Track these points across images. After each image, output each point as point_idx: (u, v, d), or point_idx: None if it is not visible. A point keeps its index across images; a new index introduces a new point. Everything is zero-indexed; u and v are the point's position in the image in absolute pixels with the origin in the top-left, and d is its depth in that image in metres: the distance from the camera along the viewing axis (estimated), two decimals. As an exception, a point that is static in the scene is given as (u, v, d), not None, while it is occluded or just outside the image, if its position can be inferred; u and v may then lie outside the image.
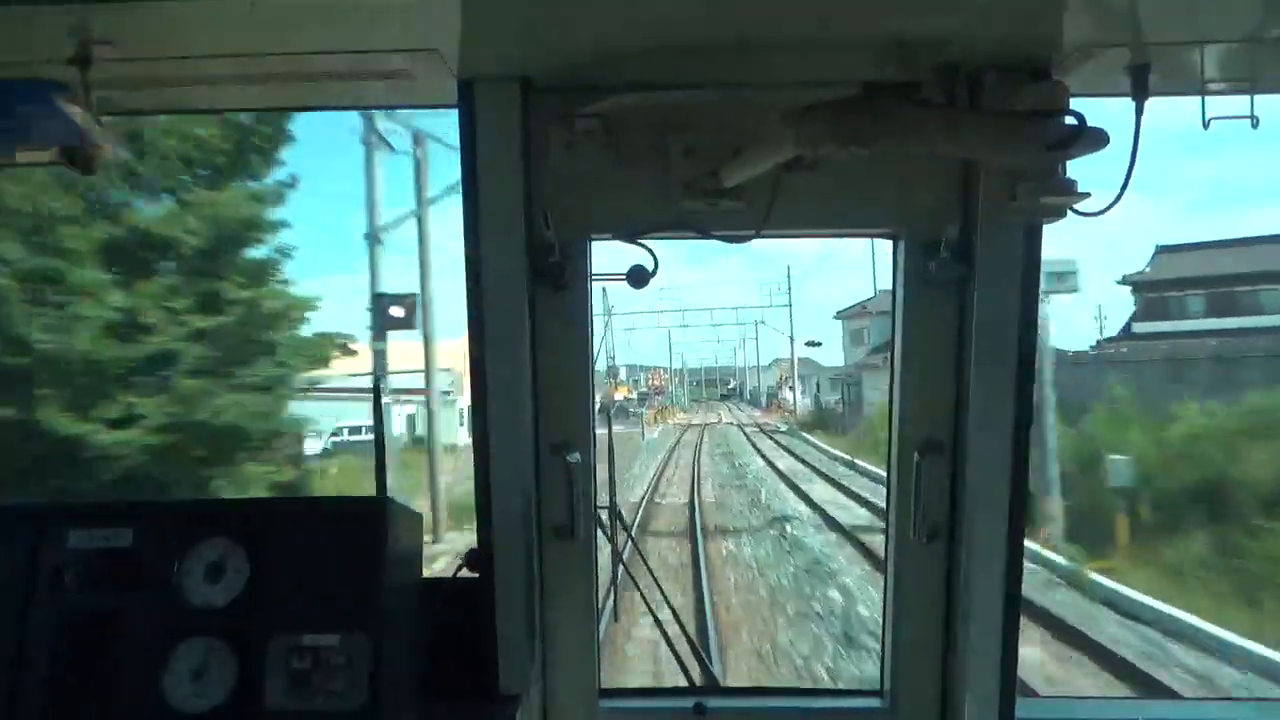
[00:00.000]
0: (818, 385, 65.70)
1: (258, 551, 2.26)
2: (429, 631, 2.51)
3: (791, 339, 63.58)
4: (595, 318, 2.85)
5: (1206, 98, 2.34)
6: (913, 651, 2.84)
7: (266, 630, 2.20)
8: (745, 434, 53.57)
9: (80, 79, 2.13)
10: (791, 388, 67.99)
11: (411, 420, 43.50)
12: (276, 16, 2.12)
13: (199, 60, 2.32)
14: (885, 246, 2.79)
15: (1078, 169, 2.28)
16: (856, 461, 31.34)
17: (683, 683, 3.19)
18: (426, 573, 2.65)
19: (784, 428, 55.41)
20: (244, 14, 2.09)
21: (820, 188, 2.56)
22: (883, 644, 2.96)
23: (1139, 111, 2.31)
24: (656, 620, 3.17)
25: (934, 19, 2.16)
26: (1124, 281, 40.60)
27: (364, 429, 37.76)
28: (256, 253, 18.10)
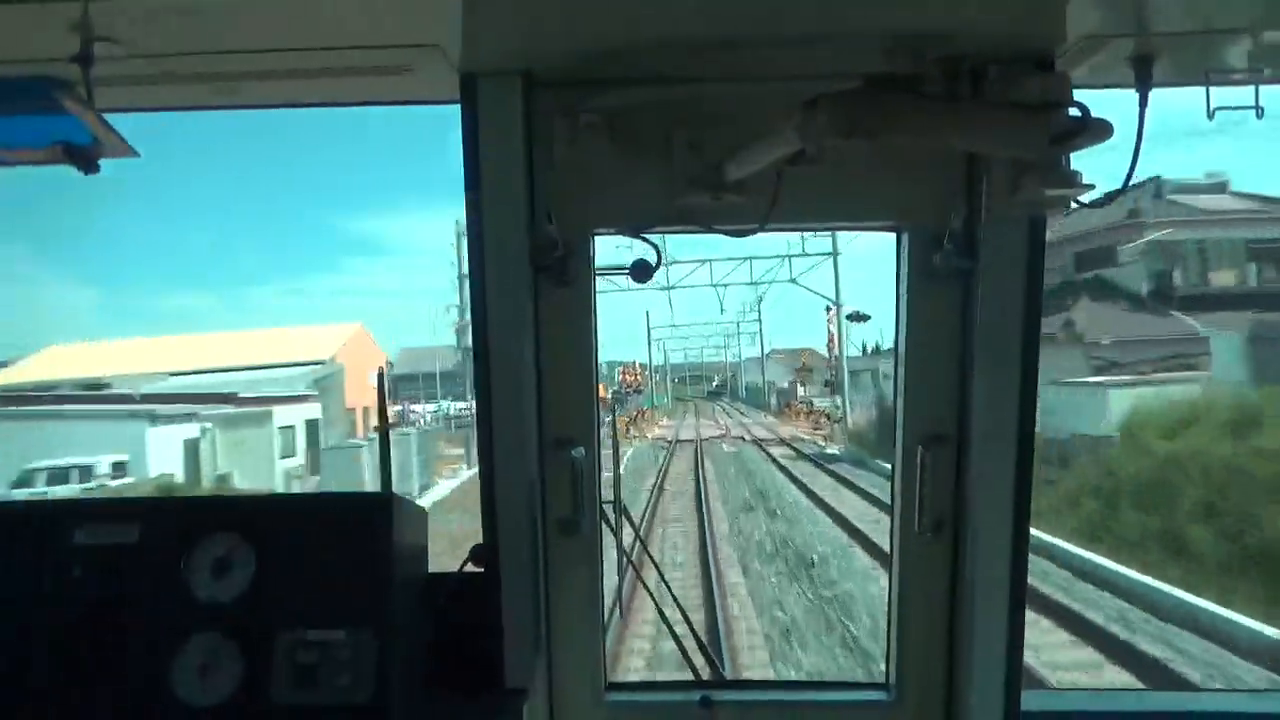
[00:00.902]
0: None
1: (263, 547, 2.27)
2: (435, 626, 2.52)
3: (837, 305, 42.35)
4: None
5: (1211, 88, 2.33)
6: (918, 644, 2.84)
7: (273, 626, 2.21)
8: (775, 461, 33.17)
9: (82, 77, 2.13)
10: (829, 382, 47.03)
11: (194, 450, 27.56)
12: (277, 13, 2.12)
13: (200, 57, 2.32)
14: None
15: (1080, 160, 2.28)
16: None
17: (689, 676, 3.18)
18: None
19: (835, 449, 36.43)
20: (245, 10, 2.09)
21: (824, 181, 2.56)
22: (888, 637, 2.96)
23: (1143, 103, 2.31)
24: (662, 614, 3.17)
25: (937, 11, 2.15)
26: None
27: (77, 471, 24.54)
28: None
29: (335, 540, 2.29)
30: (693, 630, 3.11)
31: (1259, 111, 2.30)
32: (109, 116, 2.17)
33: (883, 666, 3.03)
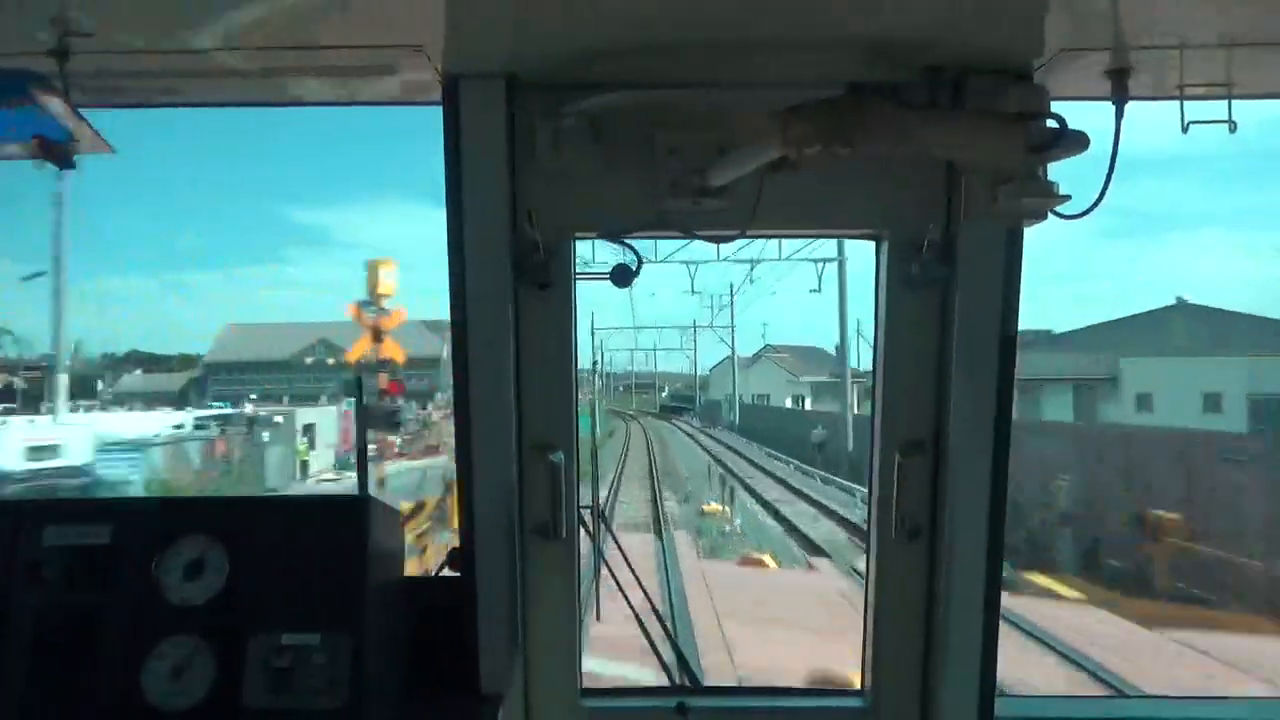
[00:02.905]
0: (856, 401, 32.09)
1: (238, 549, 2.24)
2: (411, 630, 2.50)
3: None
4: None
5: (1185, 102, 2.37)
6: (893, 650, 2.85)
7: (246, 628, 2.18)
8: None
9: (59, 71, 2.10)
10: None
11: None
12: (258, 11, 2.10)
13: (179, 54, 2.30)
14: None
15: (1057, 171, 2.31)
16: None
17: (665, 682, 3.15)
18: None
19: None
20: (224, 9, 2.08)
21: (804, 188, 2.57)
22: (864, 643, 2.97)
23: (1119, 115, 2.34)
24: (639, 619, 3.16)
25: (918, 21, 2.17)
26: None
27: None
28: None
29: (310, 543, 2.27)
30: (669, 637, 3.11)
31: (1232, 126, 2.33)
32: (85, 112, 2.15)
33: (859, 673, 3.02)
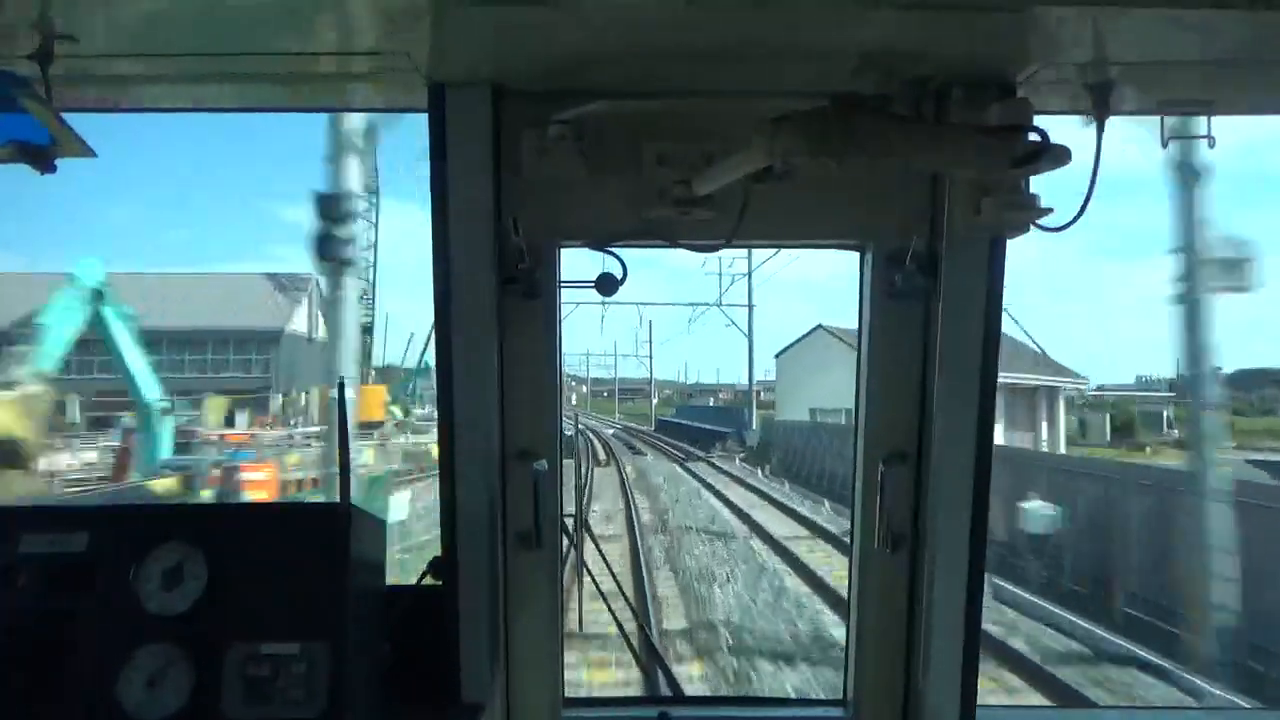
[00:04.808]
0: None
1: (217, 557, 2.22)
2: (391, 640, 2.48)
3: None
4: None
5: (1165, 117, 2.40)
6: (876, 660, 2.85)
7: (224, 637, 2.16)
8: None
9: (41, 74, 2.09)
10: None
11: None
12: (243, 16, 2.09)
13: (163, 58, 2.29)
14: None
15: (1039, 185, 2.33)
16: None
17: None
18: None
19: None
20: (210, 12, 2.07)
21: (790, 198, 2.58)
22: (846, 653, 2.97)
23: (1100, 129, 2.36)
24: (621, 629, 3.16)
25: (904, 34, 2.18)
26: None
27: None
28: None
29: (291, 551, 2.25)
30: (652, 646, 3.10)
31: (1211, 141, 2.36)
32: (67, 116, 2.13)
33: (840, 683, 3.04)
